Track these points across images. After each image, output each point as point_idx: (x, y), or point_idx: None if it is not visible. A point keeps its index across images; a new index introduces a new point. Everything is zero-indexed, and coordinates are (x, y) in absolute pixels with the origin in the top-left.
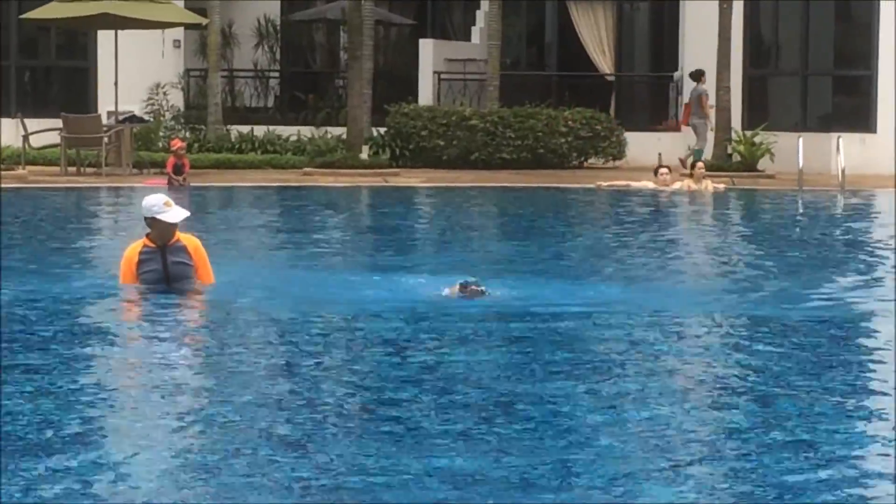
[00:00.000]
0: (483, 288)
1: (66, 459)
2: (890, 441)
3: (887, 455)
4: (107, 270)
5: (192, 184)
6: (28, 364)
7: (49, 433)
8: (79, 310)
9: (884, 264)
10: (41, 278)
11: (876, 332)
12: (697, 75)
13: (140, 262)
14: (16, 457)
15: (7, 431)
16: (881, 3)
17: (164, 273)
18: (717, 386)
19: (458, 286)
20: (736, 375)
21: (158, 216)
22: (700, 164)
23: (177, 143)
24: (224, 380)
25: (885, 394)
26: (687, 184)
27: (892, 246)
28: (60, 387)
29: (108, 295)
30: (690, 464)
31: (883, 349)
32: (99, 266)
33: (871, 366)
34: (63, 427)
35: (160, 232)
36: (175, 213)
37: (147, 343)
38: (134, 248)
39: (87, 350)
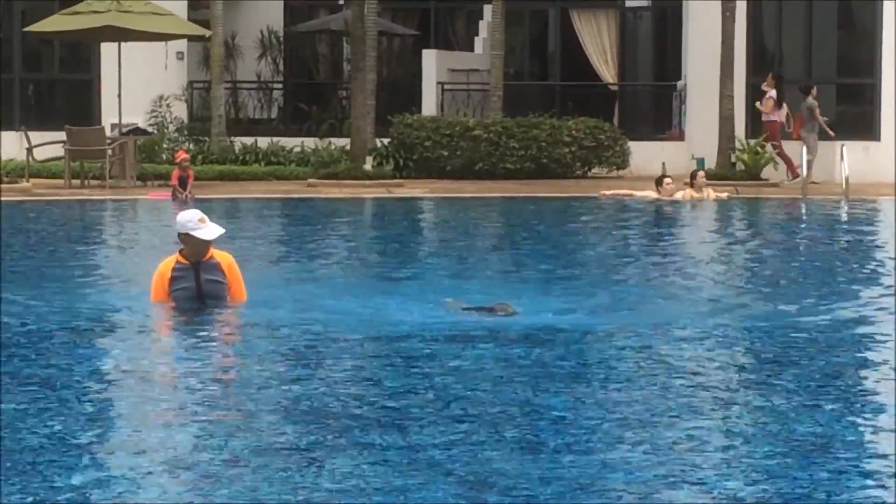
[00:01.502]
0: (513, 309)
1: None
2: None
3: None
4: (113, 283)
5: (196, 195)
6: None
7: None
8: (104, 328)
9: (886, 272)
10: (47, 291)
11: (876, 339)
12: (806, 88)
13: (173, 280)
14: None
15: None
16: (884, 11)
17: (198, 291)
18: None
19: (491, 306)
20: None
21: (193, 233)
22: (701, 172)
23: (181, 155)
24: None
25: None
26: (689, 193)
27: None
28: (72, 405)
29: (122, 310)
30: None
31: (882, 357)
32: (104, 279)
33: (867, 373)
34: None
35: (194, 248)
36: (210, 231)
37: (176, 364)
38: (167, 265)
39: (105, 365)
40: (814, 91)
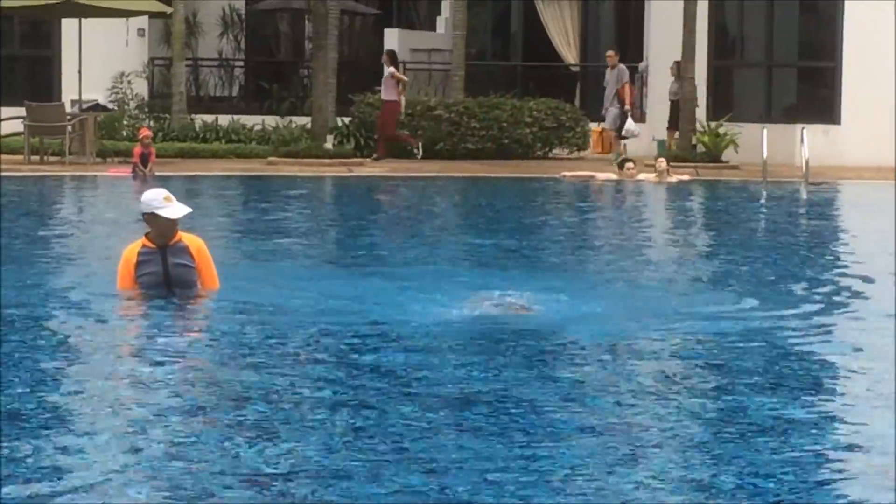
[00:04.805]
0: (526, 305)
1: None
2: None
3: None
4: (69, 261)
5: (156, 173)
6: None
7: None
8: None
9: (842, 255)
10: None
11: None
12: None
13: (139, 264)
14: None
15: None
16: None
17: (165, 276)
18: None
19: (505, 303)
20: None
21: (158, 211)
22: (661, 160)
23: (144, 132)
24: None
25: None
26: (649, 176)
27: (853, 236)
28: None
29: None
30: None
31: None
32: (59, 256)
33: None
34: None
35: (160, 229)
36: (176, 209)
37: (142, 354)
38: (132, 249)
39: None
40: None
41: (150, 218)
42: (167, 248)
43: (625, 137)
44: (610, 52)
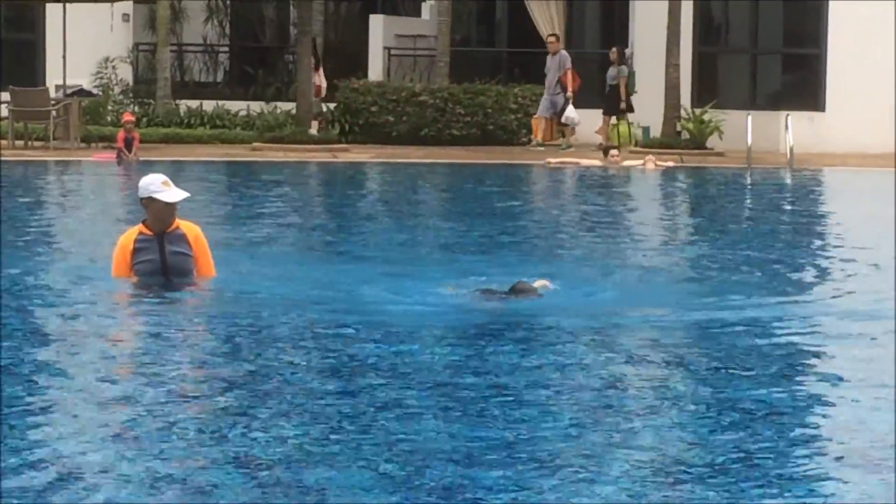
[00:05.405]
0: (539, 289)
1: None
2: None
3: None
4: (52, 247)
5: (140, 158)
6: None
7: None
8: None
9: (827, 241)
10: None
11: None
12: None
13: (135, 252)
14: None
15: None
16: None
17: (162, 263)
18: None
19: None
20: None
21: (156, 195)
22: (650, 157)
23: (126, 117)
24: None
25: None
26: (636, 163)
27: (837, 223)
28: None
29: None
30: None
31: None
32: (47, 242)
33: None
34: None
35: (157, 214)
36: (174, 194)
37: (135, 346)
38: (129, 236)
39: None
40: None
41: (148, 202)
42: (164, 235)
43: (565, 125)
44: (551, 39)
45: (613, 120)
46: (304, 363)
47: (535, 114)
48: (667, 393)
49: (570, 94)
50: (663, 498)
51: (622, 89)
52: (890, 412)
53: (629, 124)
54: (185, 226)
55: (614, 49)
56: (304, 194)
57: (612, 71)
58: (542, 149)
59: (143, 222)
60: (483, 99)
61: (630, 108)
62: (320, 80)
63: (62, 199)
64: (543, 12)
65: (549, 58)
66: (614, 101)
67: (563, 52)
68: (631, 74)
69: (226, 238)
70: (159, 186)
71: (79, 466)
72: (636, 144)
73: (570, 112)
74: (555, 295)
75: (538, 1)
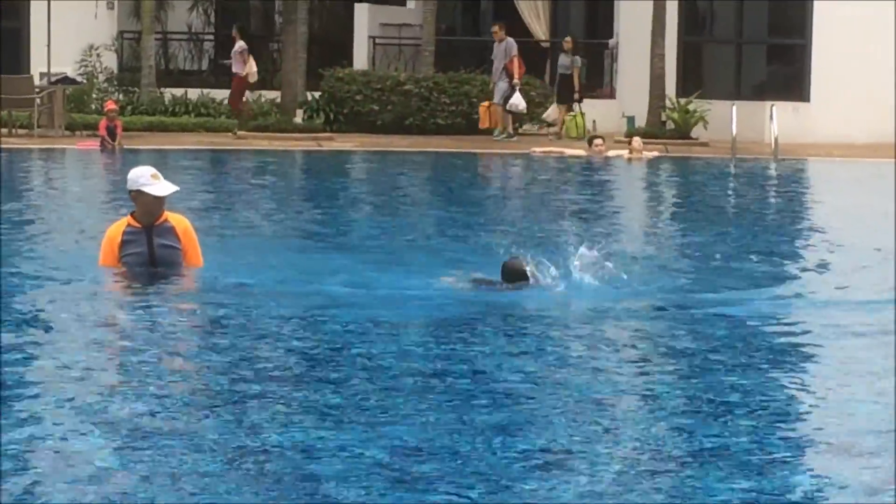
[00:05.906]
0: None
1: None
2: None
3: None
4: (36, 233)
5: (124, 146)
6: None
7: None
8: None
9: (810, 231)
10: None
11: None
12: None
13: (123, 244)
14: None
15: None
16: None
17: (150, 256)
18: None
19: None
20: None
21: (144, 188)
22: (637, 139)
23: (109, 105)
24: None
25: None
26: (622, 153)
27: (820, 213)
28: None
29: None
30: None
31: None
32: (31, 229)
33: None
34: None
35: (146, 207)
36: (163, 187)
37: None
38: (117, 228)
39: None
40: None
41: (137, 195)
42: (153, 227)
43: (510, 111)
44: (495, 28)
45: (577, 109)
46: (284, 352)
47: (485, 102)
48: (651, 383)
49: (516, 80)
50: (650, 487)
51: (576, 80)
52: (872, 401)
53: (582, 114)
54: (174, 218)
55: (568, 38)
56: (288, 183)
57: (564, 59)
58: (516, 139)
59: (132, 214)
60: (468, 88)
61: (581, 99)
62: (250, 66)
63: (46, 187)
64: (529, 2)
65: (495, 45)
66: (568, 91)
67: (510, 39)
68: (583, 66)
69: (209, 226)
70: (148, 179)
71: (67, 458)
72: (626, 136)
73: (516, 99)
74: (542, 289)
75: None
